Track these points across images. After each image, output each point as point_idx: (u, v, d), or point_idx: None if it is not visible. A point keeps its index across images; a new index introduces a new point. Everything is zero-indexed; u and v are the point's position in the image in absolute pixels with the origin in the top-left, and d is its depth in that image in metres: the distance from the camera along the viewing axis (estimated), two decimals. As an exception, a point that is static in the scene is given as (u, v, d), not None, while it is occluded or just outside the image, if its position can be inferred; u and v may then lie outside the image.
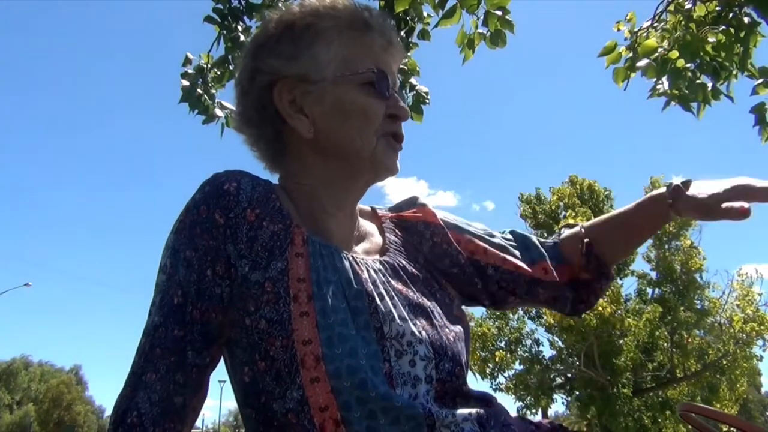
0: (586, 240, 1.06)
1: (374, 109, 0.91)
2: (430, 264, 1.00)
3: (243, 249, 0.83)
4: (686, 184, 0.98)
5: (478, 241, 1.05)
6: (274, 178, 0.98)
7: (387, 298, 0.86)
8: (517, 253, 1.07)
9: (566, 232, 1.13)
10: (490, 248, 1.05)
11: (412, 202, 1.09)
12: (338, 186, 0.94)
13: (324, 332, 0.79)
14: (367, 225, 1.02)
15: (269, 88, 0.93)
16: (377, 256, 0.95)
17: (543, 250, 1.09)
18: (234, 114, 1.01)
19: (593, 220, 1.12)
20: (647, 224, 1.07)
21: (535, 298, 1.08)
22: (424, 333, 0.86)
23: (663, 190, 1.00)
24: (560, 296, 1.09)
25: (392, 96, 0.94)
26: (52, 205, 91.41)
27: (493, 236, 1.09)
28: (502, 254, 1.05)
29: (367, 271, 0.89)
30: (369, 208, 1.07)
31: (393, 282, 0.91)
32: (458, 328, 0.93)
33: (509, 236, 1.11)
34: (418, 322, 0.87)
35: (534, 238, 1.12)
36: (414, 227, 1.04)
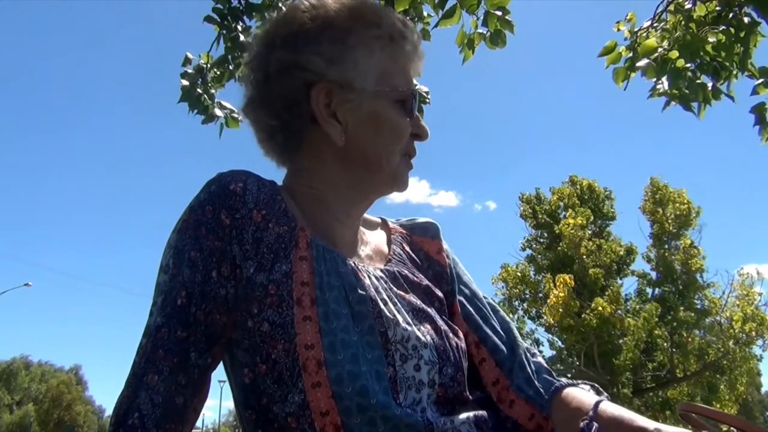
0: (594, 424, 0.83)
1: (405, 128, 0.92)
2: (429, 280, 1.00)
3: (249, 250, 0.82)
4: None
5: (455, 301, 1.00)
6: (278, 178, 0.97)
7: (390, 304, 0.86)
8: (495, 342, 0.96)
9: (580, 392, 0.91)
10: (461, 317, 0.98)
11: (425, 230, 1.07)
12: (353, 195, 0.93)
13: (326, 337, 0.78)
14: (373, 234, 1.01)
15: (306, 87, 0.89)
16: (380, 265, 0.95)
17: (523, 372, 0.93)
18: (247, 97, 0.95)
19: (615, 412, 0.84)
20: None
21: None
22: (428, 337, 0.86)
23: None
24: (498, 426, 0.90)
25: (416, 116, 0.95)
26: (52, 204, 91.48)
27: (479, 311, 1.00)
28: (466, 329, 0.97)
29: (369, 277, 0.88)
30: (379, 219, 1.07)
31: (395, 288, 0.90)
32: (460, 335, 0.93)
33: (501, 330, 0.98)
34: (422, 327, 0.87)
35: (526, 354, 0.97)
36: (418, 252, 1.03)
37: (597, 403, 0.86)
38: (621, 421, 0.83)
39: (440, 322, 0.90)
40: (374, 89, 0.90)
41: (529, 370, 0.94)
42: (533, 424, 0.90)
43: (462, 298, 1.01)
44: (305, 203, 0.92)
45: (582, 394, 0.91)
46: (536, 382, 0.93)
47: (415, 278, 0.96)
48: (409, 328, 0.84)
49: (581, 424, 0.83)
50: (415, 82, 0.97)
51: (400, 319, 0.84)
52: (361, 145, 0.91)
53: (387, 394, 0.78)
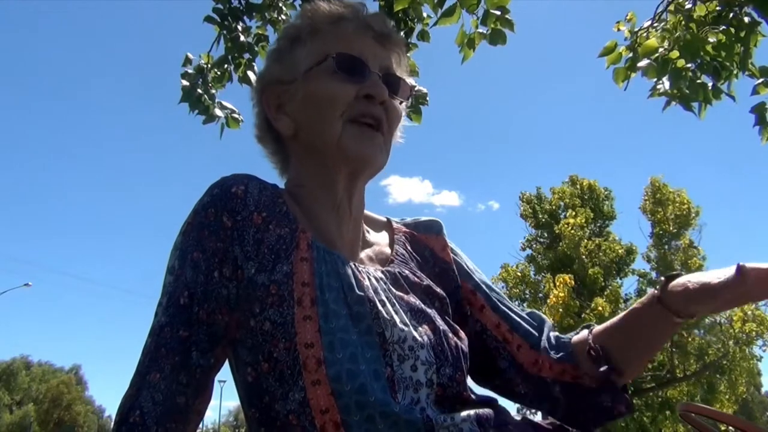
0: (596, 344, 0.98)
1: (338, 92, 0.91)
2: (432, 278, 1.00)
3: (250, 251, 0.84)
4: (671, 277, 0.93)
5: (479, 295, 1.04)
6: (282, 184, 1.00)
7: (389, 305, 0.87)
8: (525, 327, 1.03)
9: (579, 333, 1.04)
10: (489, 308, 1.03)
11: (429, 227, 1.08)
12: (329, 183, 0.94)
13: (326, 336, 0.79)
14: (377, 235, 1.02)
15: (259, 97, 0.98)
16: (381, 266, 0.95)
17: (548, 342, 1.02)
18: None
19: (602, 326, 1.01)
20: (648, 331, 0.96)
21: (512, 388, 1.02)
22: (425, 338, 0.86)
23: (651, 291, 0.95)
24: (547, 397, 1.00)
25: (370, 78, 0.92)
26: (53, 205, 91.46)
27: (501, 302, 1.05)
28: (497, 319, 1.02)
29: (368, 279, 0.89)
30: (385, 219, 1.08)
31: (394, 290, 0.91)
32: (461, 335, 0.93)
33: (525, 314, 1.06)
34: (420, 328, 0.87)
35: (549, 328, 1.05)
36: (423, 250, 1.04)
37: (589, 332, 1.01)
38: (608, 331, 0.99)
39: (439, 323, 0.90)
40: (304, 71, 0.93)
41: (554, 340, 1.03)
42: (569, 376, 0.99)
43: (486, 291, 1.04)
44: (303, 204, 0.93)
45: (581, 334, 1.03)
46: (558, 346, 1.02)
47: (416, 278, 0.96)
48: (405, 329, 0.85)
49: (591, 353, 0.97)
50: (369, 51, 0.94)
51: (398, 320, 0.85)
52: (307, 126, 0.94)
53: (385, 393, 0.79)
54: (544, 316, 1.07)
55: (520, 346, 1.01)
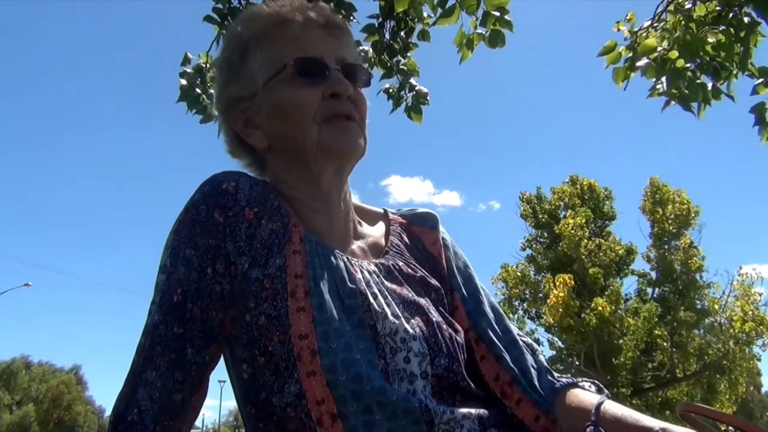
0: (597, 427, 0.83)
1: (305, 98, 0.91)
2: (426, 269, 0.99)
3: (242, 247, 0.85)
4: None
5: (456, 296, 0.99)
6: None
7: (380, 297, 0.87)
8: (491, 336, 0.95)
9: (581, 393, 0.91)
10: (463, 312, 0.98)
11: (424, 220, 1.06)
12: (311, 181, 0.93)
13: (320, 327, 0.80)
14: (372, 227, 1.02)
15: (225, 116, 0.97)
16: (375, 258, 0.95)
17: (532, 372, 0.93)
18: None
19: (618, 413, 0.83)
20: None
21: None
22: (417, 330, 0.86)
23: None
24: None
25: (331, 76, 0.92)
26: (53, 205, 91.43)
27: (484, 311, 0.98)
28: (467, 325, 0.96)
29: (361, 271, 0.89)
30: (381, 210, 1.07)
31: (387, 282, 0.91)
32: (456, 326, 0.93)
33: (513, 331, 0.99)
34: (412, 320, 0.87)
35: (537, 360, 0.96)
36: (416, 242, 1.03)
37: (599, 405, 0.85)
38: (625, 421, 0.82)
39: (433, 314, 0.90)
40: (264, 82, 0.92)
41: (533, 372, 0.94)
42: (539, 426, 0.89)
43: (464, 293, 1.00)
44: (291, 200, 0.93)
45: (583, 395, 0.90)
46: (538, 385, 0.92)
47: (410, 270, 0.96)
48: (396, 322, 0.85)
49: (587, 431, 0.83)
50: (322, 48, 0.93)
51: (389, 312, 0.86)
52: (280, 136, 0.93)
53: (382, 380, 0.79)
54: (518, 339, 0.98)
55: (484, 357, 0.95)
